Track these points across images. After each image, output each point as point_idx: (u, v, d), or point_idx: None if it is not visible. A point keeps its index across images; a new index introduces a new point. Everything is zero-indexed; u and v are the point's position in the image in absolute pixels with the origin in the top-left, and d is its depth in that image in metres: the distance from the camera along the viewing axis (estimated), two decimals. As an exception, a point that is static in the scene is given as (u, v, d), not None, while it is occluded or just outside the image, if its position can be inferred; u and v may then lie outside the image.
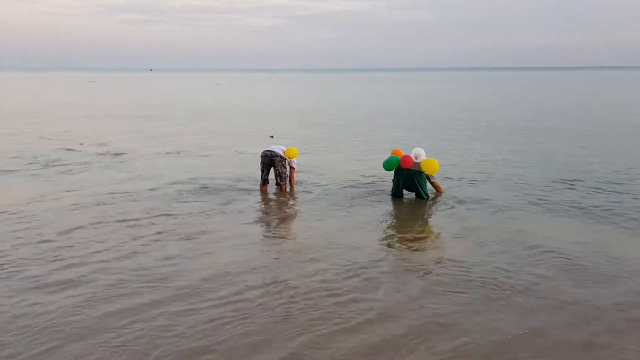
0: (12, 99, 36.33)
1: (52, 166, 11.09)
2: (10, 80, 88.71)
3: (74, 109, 27.12)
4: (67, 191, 8.82)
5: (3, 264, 5.54)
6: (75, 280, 5.14)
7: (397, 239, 6.61)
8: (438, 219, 7.41)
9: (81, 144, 14.25)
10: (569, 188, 8.94)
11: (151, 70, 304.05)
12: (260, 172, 8.94)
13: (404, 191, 8.42)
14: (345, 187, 9.11)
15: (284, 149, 8.92)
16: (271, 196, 8.60)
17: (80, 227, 6.79)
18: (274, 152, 8.79)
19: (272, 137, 15.59)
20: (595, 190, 8.76)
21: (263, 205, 8.16)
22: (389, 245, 6.33)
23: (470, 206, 7.84)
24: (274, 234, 6.87)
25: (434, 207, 7.90)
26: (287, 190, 8.86)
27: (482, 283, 5.10)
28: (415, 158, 8.28)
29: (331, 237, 6.49)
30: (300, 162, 9.88)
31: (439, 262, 5.67)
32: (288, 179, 8.94)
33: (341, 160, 11.79)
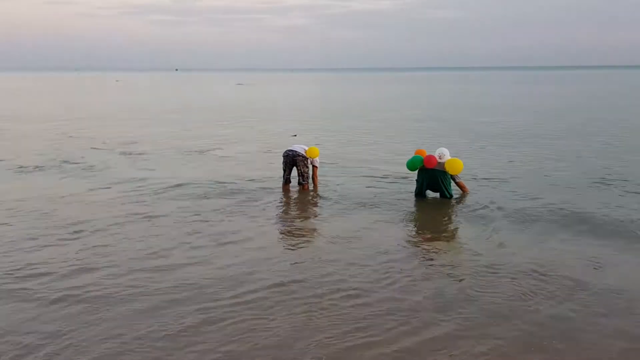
0: (40, 100, 37.11)
1: (78, 165, 11.19)
2: (37, 81, 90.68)
3: (100, 109, 27.55)
4: (92, 190, 8.89)
5: (27, 265, 5.55)
6: (98, 279, 5.12)
7: (421, 240, 6.46)
8: (464, 220, 7.20)
9: (104, 142, 14.40)
10: (599, 189, 8.65)
11: (177, 69, 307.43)
12: (282, 172, 8.89)
13: (428, 191, 8.25)
14: (368, 186, 8.99)
15: (306, 148, 8.87)
16: (293, 195, 8.53)
17: (104, 225, 6.80)
18: (296, 151, 8.75)
19: (294, 136, 15.53)
20: (627, 192, 8.45)
21: (285, 205, 8.09)
22: (413, 247, 6.18)
23: (498, 206, 7.60)
24: (295, 233, 6.77)
25: (459, 208, 7.70)
26: (310, 189, 8.78)
27: (512, 287, 4.91)
28: (439, 158, 8.10)
29: (353, 238, 6.37)
30: (322, 161, 9.78)
31: (466, 265, 5.50)
32: (310, 178, 8.87)
33: (364, 160, 11.63)
